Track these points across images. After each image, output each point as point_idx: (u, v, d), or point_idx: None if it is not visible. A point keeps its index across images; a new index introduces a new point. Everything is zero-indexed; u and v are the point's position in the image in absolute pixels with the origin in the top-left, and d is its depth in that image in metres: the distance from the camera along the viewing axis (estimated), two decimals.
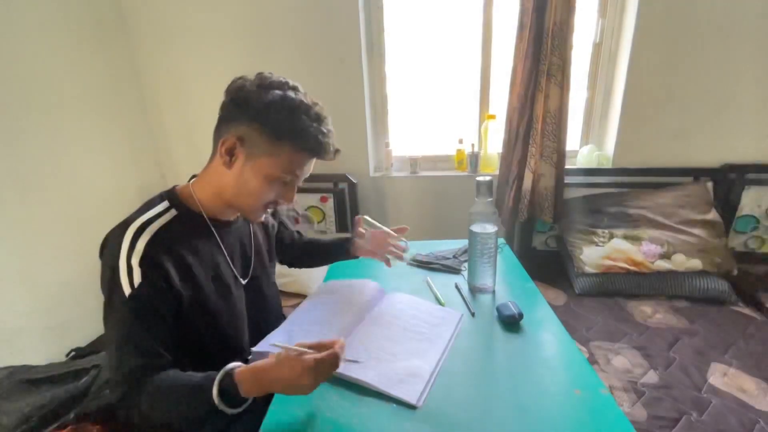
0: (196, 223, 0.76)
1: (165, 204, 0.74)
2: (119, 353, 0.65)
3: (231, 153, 0.71)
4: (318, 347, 0.63)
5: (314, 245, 1.10)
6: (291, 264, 1.12)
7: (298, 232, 1.12)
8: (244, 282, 0.85)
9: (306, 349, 0.62)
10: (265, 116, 0.68)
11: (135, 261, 0.65)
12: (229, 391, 0.60)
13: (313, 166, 0.77)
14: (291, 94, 0.69)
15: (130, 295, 0.64)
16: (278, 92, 0.68)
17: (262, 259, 0.92)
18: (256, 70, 0.73)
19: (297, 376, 0.59)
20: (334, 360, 0.61)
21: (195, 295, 0.73)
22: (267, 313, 0.94)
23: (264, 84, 0.70)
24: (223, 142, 0.70)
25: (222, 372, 0.61)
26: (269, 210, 0.79)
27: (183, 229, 0.73)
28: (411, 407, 0.66)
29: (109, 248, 0.68)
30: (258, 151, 0.70)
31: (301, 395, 0.65)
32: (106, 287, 0.67)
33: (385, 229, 0.99)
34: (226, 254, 0.81)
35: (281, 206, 0.77)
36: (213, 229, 0.78)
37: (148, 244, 0.67)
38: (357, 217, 1.02)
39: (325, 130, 0.71)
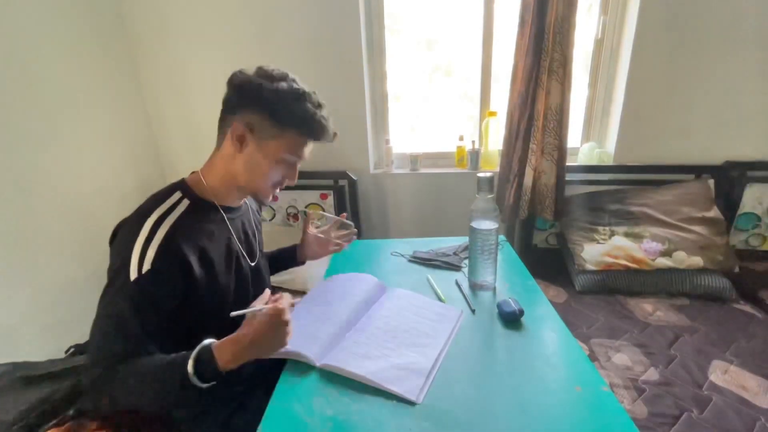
0: (208, 210, 0.81)
1: (178, 194, 0.77)
2: (105, 334, 0.66)
3: (241, 140, 0.77)
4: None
5: (275, 253, 1.13)
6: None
7: None
8: (252, 264, 0.90)
9: (261, 306, 0.71)
10: (275, 104, 0.75)
11: (151, 250, 0.68)
12: (204, 361, 0.64)
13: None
14: (294, 84, 0.77)
15: (134, 280, 0.66)
16: (284, 83, 0.75)
17: (261, 245, 0.98)
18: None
19: (262, 327, 0.67)
20: (280, 310, 0.69)
21: (210, 278, 0.77)
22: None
23: (268, 75, 0.76)
24: (234, 130, 0.76)
25: (199, 345, 0.66)
26: (278, 188, 0.85)
27: (197, 217, 0.77)
28: (410, 403, 0.66)
29: (125, 235, 0.70)
30: (266, 136, 0.76)
31: (277, 356, 0.73)
32: (112, 269, 0.69)
33: (335, 218, 1.11)
34: (236, 240, 0.85)
35: (289, 184, 0.85)
36: (224, 215, 0.83)
37: (169, 235, 0.70)
38: (309, 212, 1.10)
39: (326, 115, 0.79)
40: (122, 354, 0.65)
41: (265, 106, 0.75)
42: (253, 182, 0.80)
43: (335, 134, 0.83)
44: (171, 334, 0.72)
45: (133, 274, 0.66)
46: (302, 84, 0.78)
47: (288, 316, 0.70)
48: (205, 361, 0.64)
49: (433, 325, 0.87)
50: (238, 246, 0.86)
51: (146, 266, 0.67)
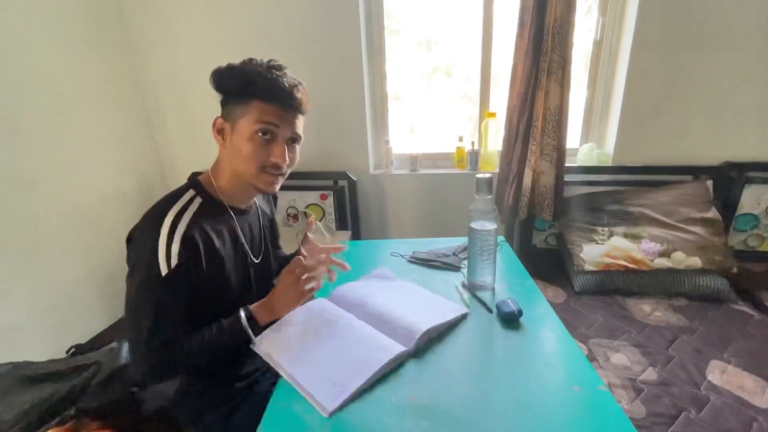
0: (218, 209, 0.83)
1: (191, 192, 0.80)
2: (154, 324, 0.72)
3: (222, 132, 0.80)
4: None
5: (282, 260, 1.13)
6: None
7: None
8: (256, 261, 0.93)
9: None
10: (224, 84, 0.78)
11: (176, 244, 0.72)
12: (251, 321, 0.79)
13: (297, 123, 0.81)
14: (245, 60, 0.78)
15: (167, 275, 0.71)
16: (233, 64, 0.78)
17: (268, 246, 0.99)
18: None
19: (283, 281, 0.81)
20: (299, 263, 0.80)
21: (218, 273, 0.81)
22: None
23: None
24: (214, 125, 0.81)
25: (242, 310, 0.80)
26: (274, 174, 0.81)
27: (208, 215, 0.80)
28: (408, 402, 0.66)
29: (146, 233, 0.73)
30: (236, 117, 0.78)
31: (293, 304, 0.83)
32: (142, 268, 0.72)
33: (328, 242, 0.98)
34: (243, 238, 0.88)
35: (277, 163, 0.80)
36: (232, 213, 0.85)
37: (188, 229, 0.75)
38: (311, 219, 1.06)
39: (277, 74, 0.77)
40: (175, 339, 0.74)
41: (224, 87, 0.78)
42: (243, 169, 0.79)
43: (296, 86, 0.78)
44: (201, 319, 0.79)
45: (164, 270, 0.71)
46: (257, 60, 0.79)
47: (303, 269, 0.80)
48: (252, 321, 0.79)
49: (430, 308, 0.89)
50: (243, 243, 0.88)
51: (174, 260, 0.72)
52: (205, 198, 0.81)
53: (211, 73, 0.78)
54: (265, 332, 0.83)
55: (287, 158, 0.80)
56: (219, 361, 0.81)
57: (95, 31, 1.77)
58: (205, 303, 0.79)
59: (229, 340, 0.78)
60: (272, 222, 1.07)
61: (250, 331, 0.78)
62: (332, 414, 0.65)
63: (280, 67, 0.78)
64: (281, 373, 0.74)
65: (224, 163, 0.83)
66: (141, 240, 0.74)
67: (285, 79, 0.77)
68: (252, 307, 0.81)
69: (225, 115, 0.80)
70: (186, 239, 0.73)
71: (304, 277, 0.80)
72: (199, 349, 0.76)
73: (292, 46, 1.86)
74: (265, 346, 0.80)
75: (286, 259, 1.12)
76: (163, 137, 2.12)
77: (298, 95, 0.78)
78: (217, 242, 0.80)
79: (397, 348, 0.76)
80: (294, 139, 0.82)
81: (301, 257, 0.82)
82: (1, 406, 0.92)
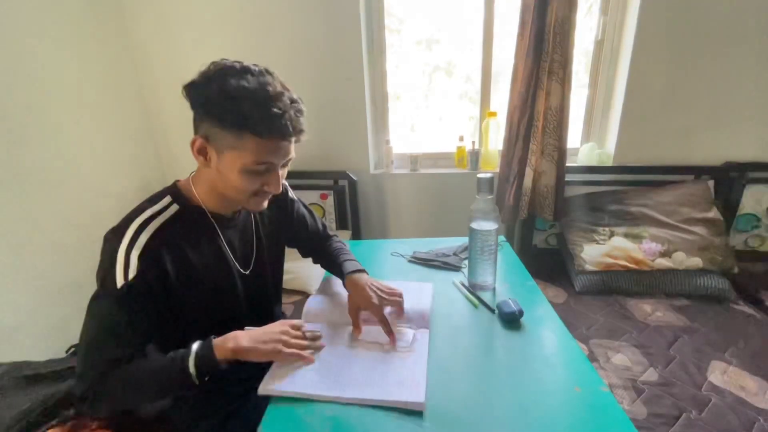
0: (197, 218, 0.77)
1: (168, 199, 0.75)
2: (97, 341, 0.66)
3: (203, 152, 0.71)
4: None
5: (333, 257, 1.01)
6: (310, 259, 1.09)
7: (323, 225, 1.08)
8: (245, 272, 0.86)
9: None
10: (214, 109, 0.66)
11: (134, 255, 0.67)
12: (204, 356, 0.67)
13: (291, 148, 0.72)
14: (232, 81, 0.64)
15: (121, 287, 0.65)
16: (218, 83, 0.65)
17: (263, 251, 0.91)
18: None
19: (263, 330, 0.74)
20: (284, 328, 0.76)
21: (195, 287, 0.74)
22: (267, 302, 0.95)
23: (209, 74, 0.67)
24: (193, 144, 0.70)
25: (197, 343, 0.69)
26: (265, 197, 0.77)
27: (184, 224, 0.74)
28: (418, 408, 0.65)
29: (110, 241, 0.69)
30: (223, 145, 0.67)
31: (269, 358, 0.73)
32: (99, 278, 0.68)
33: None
34: (226, 247, 0.81)
35: (271, 192, 0.75)
36: (213, 222, 0.79)
37: (150, 240, 0.68)
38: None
39: (276, 109, 0.64)
40: (117, 360, 0.66)
41: (208, 112, 0.67)
42: (230, 193, 0.74)
43: (301, 131, 0.69)
44: (163, 336, 0.72)
45: (120, 281, 0.65)
46: (251, 77, 0.66)
47: (285, 335, 0.75)
48: (205, 355, 0.67)
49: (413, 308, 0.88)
50: (229, 256, 0.82)
51: (132, 272, 0.66)
52: (182, 205, 0.74)
53: (188, 87, 0.67)
54: (272, 372, 0.73)
55: (281, 184, 0.75)
56: (152, 403, 0.74)
57: (97, 31, 1.76)
58: (187, 319, 0.75)
59: (172, 375, 0.67)
60: (280, 223, 0.95)
61: (192, 371, 0.65)
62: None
63: (280, 96, 0.66)
64: (341, 400, 0.67)
65: (206, 179, 0.76)
66: (105, 246, 0.69)
67: (287, 117, 0.65)
68: (218, 339, 0.70)
69: (206, 136, 0.68)
70: (146, 251, 0.67)
71: (294, 341, 0.75)
72: (142, 379, 0.66)
73: (293, 45, 1.86)
74: (293, 384, 0.70)
75: (333, 255, 1.00)
76: (163, 137, 2.12)
77: (300, 128, 0.69)
78: (192, 254, 0.74)
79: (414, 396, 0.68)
80: (288, 162, 0.75)
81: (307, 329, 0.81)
82: (1, 406, 0.92)
